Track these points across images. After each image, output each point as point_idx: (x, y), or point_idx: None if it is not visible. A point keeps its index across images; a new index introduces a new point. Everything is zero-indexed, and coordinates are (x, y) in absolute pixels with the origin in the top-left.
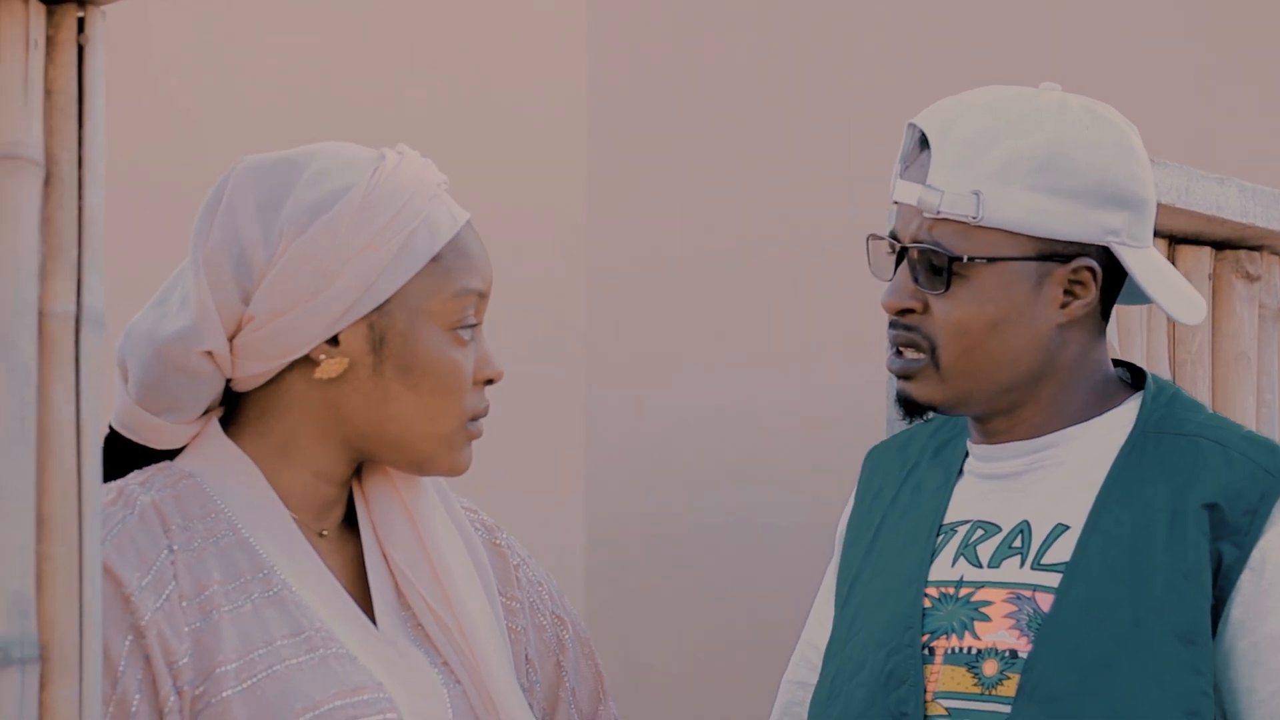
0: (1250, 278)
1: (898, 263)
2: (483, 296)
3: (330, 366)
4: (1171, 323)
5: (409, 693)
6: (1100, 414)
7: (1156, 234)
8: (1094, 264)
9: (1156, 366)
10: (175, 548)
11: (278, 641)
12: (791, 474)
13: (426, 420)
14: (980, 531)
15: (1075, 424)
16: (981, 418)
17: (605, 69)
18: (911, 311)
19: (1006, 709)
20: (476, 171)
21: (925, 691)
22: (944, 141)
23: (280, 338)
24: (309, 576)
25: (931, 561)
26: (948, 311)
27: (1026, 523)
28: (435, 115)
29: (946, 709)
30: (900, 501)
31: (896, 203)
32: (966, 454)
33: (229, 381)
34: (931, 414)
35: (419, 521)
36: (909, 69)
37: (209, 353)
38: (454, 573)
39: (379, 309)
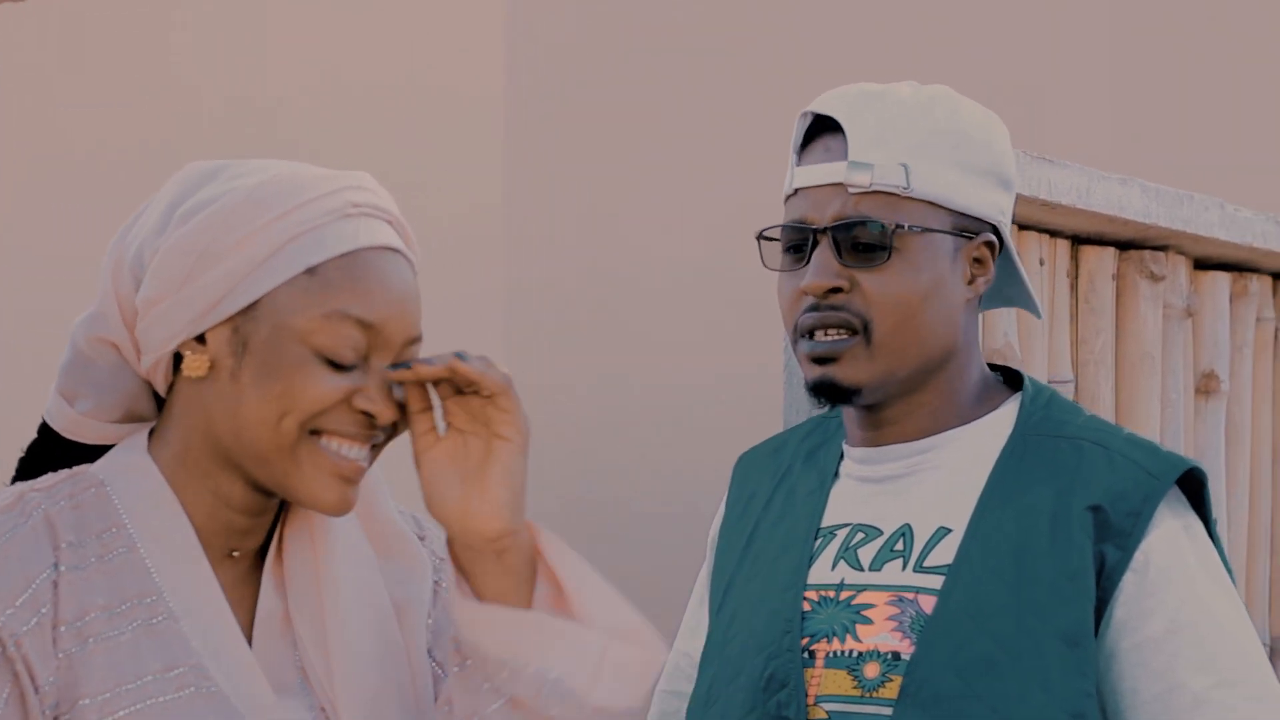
0: (1155, 278)
1: (812, 248)
2: (368, 327)
3: (193, 363)
4: (1075, 323)
5: None
6: (979, 416)
7: (1058, 234)
8: (994, 239)
9: (1059, 367)
10: (62, 568)
11: (147, 676)
12: (712, 464)
13: (271, 430)
14: (861, 535)
15: (955, 426)
16: (881, 406)
17: (522, 75)
18: (839, 291)
19: (888, 711)
20: (394, 173)
21: (807, 695)
22: (859, 122)
23: (153, 329)
24: (200, 603)
25: (810, 565)
26: (883, 285)
27: (908, 525)
28: (352, 119)
29: (828, 712)
30: (774, 506)
31: (798, 190)
32: (842, 457)
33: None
34: (848, 401)
35: (320, 556)
36: (819, 75)
37: (116, 344)
38: (339, 616)
39: (246, 313)
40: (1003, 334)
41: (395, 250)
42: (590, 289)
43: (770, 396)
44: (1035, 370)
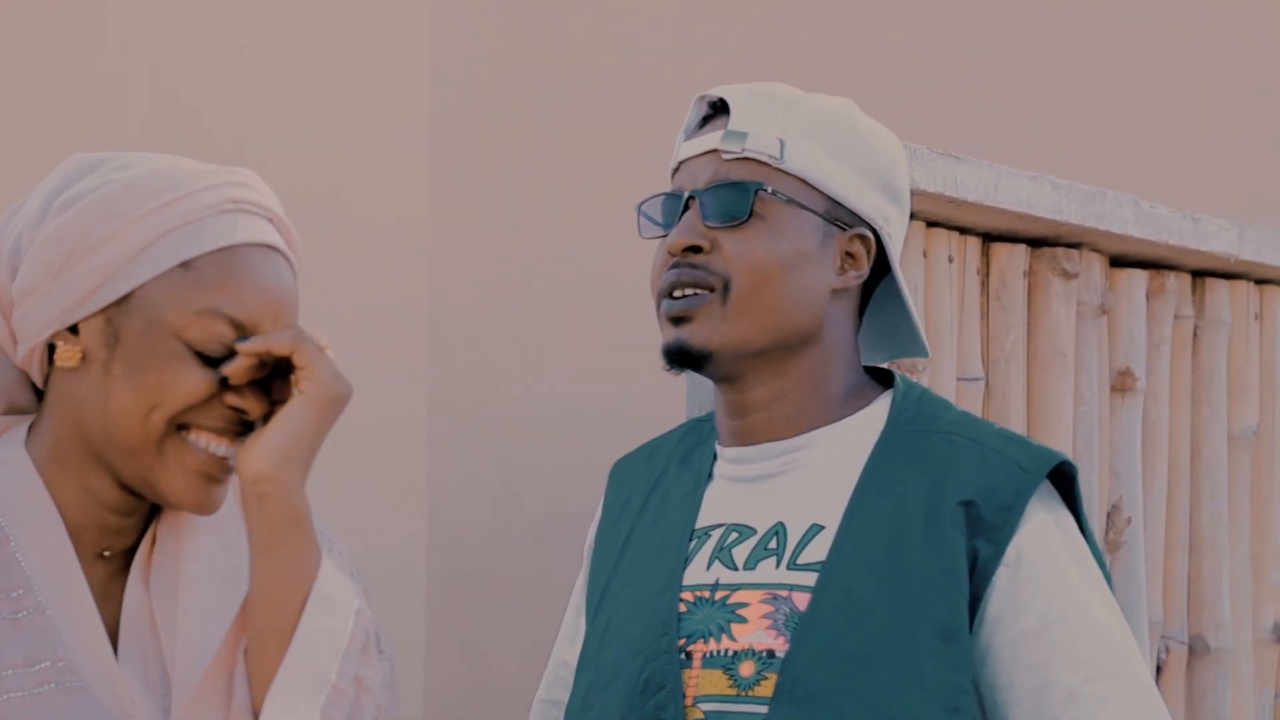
0: (1068, 275)
1: (683, 212)
2: (239, 326)
3: (65, 354)
4: (986, 320)
5: None
6: (851, 413)
7: (969, 231)
8: (870, 235)
9: (969, 364)
10: None
11: (7, 670)
12: None
13: (139, 423)
14: (735, 534)
15: (826, 424)
16: (743, 384)
17: (448, 81)
18: (699, 251)
19: (764, 709)
20: (320, 170)
21: (685, 696)
22: (747, 100)
23: (28, 318)
24: (67, 600)
25: (686, 566)
26: (743, 245)
27: (782, 524)
28: (279, 121)
29: (705, 712)
30: (649, 510)
31: (681, 163)
32: (715, 458)
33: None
34: (699, 367)
35: (184, 555)
36: (742, 80)
37: None
38: (194, 616)
39: (120, 304)
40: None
41: (273, 248)
42: (515, 297)
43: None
44: (943, 368)
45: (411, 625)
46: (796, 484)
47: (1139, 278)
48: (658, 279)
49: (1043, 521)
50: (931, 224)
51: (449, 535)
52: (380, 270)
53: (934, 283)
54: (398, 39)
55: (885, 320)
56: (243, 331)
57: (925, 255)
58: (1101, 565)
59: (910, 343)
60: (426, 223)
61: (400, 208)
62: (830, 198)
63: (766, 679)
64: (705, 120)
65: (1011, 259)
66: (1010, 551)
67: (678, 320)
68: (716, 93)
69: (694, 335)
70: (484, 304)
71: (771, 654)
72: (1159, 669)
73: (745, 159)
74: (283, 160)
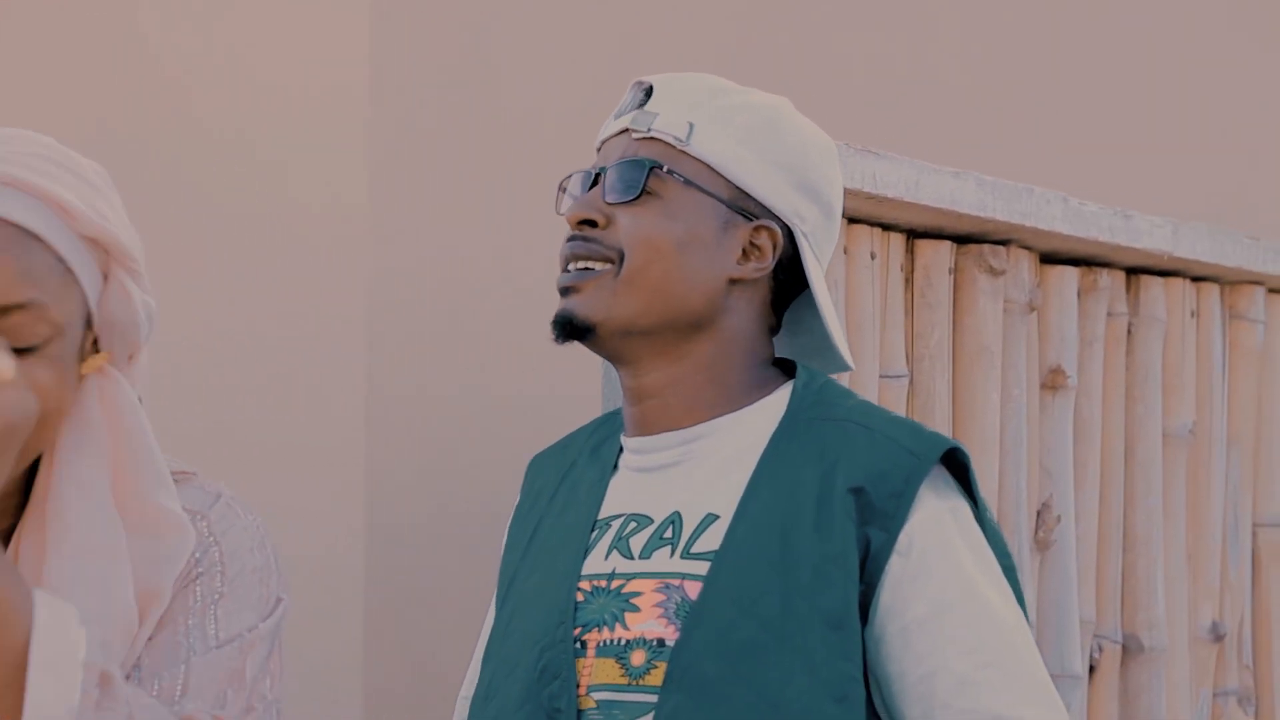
0: (994, 272)
1: (591, 187)
2: None
3: None
4: (911, 317)
5: None
6: (751, 403)
7: (892, 227)
8: (776, 230)
9: (893, 361)
10: None
11: None
12: None
13: None
14: (634, 524)
15: (727, 412)
16: (634, 367)
17: (387, 66)
18: (593, 225)
19: (654, 698)
20: (258, 160)
21: (579, 685)
22: (670, 85)
23: None
24: None
25: (586, 556)
26: (636, 221)
27: (678, 513)
28: (216, 107)
29: (597, 701)
30: (558, 501)
31: (603, 142)
32: (622, 450)
33: None
34: (583, 338)
35: (48, 540)
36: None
37: None
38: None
39: None
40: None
41: None
42: (454, 292)
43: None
44: (865, 365)
45: (349, 623)
46: (693, 473)
47: (1070, 275)
48: (561, 260)
49: (935, 508)
50: (853, 220)
51: (387, 532)
52: (319, 264)
53: (855, 279)
54: (336, 29)
55: (813, 328)
56: None
57: (846, 251)
58: (1002, 552)
59: (828, 360)
60: (365, 217)
61: (338, 201)
62: (737, 186)
63: (657, 668)
64: (640, 106)
65: (936, 256)
66: (902, 539)
67: (566, 291)
68: (648, 78)
69: (579, 306)
70: (423, 299)
71: (662, 643)
72: (1091, 668)
73: (652, 139)
74: (218, 152)
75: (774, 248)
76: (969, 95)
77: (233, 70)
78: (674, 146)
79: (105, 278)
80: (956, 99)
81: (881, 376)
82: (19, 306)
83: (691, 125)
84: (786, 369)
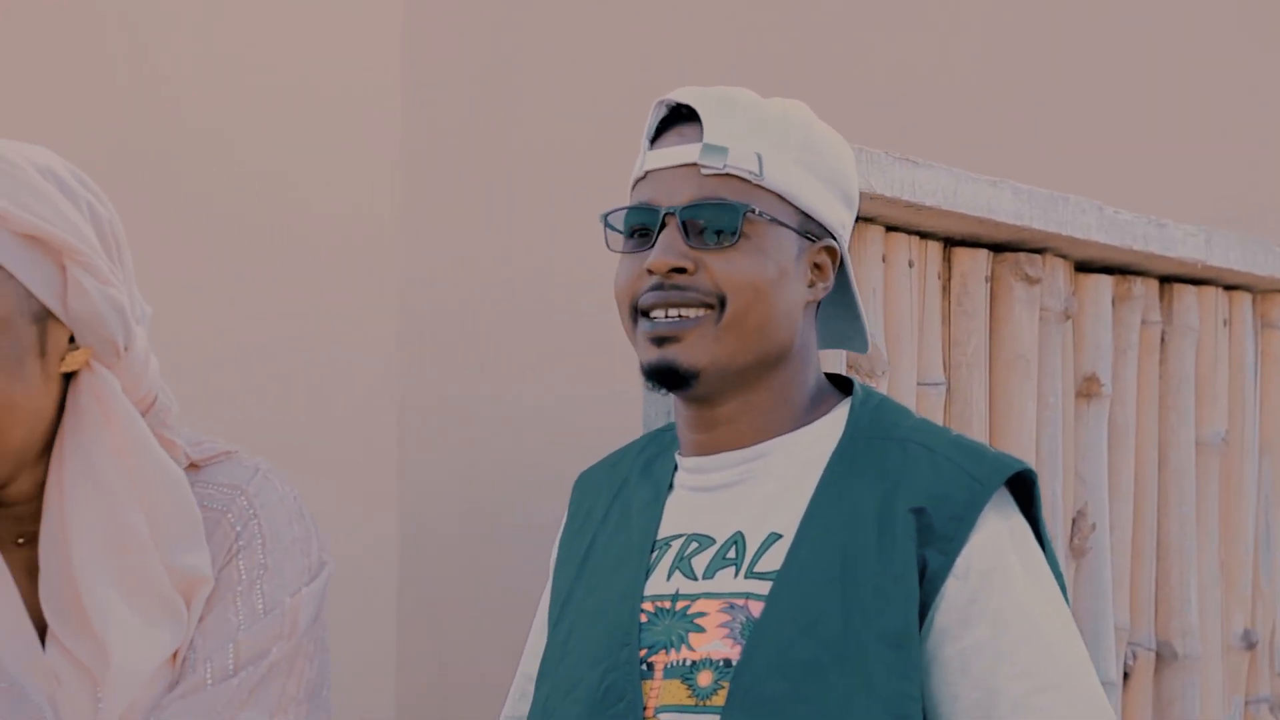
0: (1030, 280)
1: (660, 229)
2: None
3: None
4: (948, 325)
5: (65, 715)
6: (811, 422)
7: (930, 236)
8: (835, 247)
9: (930, 369)
10: None
11: None
12: None
13: None
14: (695, 544)
15: (787, 432)
16: (716, 401)
17: (419, 75)
18: (683, 272)
19: (716, 719)
20: (289, 171)
21: (645, 707)
22: (717, 112)
23: None
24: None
25: (647, 577)
26: (732, 265)
27: (740, 533)
28: (248, 120)
29: None
30: (610, 520)
31: (648, 173)
32: (676, 468)
33: None
34: (684, 386)
35: (70, 539)
36: (701, 79)
37: None
38: (89, 581)
39: None
40: (869, 336)
41: None
42: (486, 299)
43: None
44: (903, 373)
45: (382, 628)
46: (754, 493)
47: (1105, 283)
48: (629, 295)
49: (995, 531)
50: (891, 229)
51: (420, 539)
52: (350, 272)
53: (893, 287)
54: (369, 35)
55: (822, 317)
56: None
57: (885, 260)
58: (1058, 575)
59: (851, 336)
60: (397, 224)
61: (370, 209)
62: (803, 212)
63: (723, 688)
64: (664, 124)
65: (973, 264)
66: (960, 562)
67: (663, 341)
68: (681, 98)
69: (682, 355)
70: (454, 306)
71: (728, 663)
72: (1126, 675)
73: (726, 175)
74: (252, 159)
75: (833, 264)
76: (1000, 102)
77: (263, 79)
78: (749, 181)
79: (61, 277)
80: (988, 106)
81: (919, 384)
82: None
83: (760, 157)
84: (837, 383)
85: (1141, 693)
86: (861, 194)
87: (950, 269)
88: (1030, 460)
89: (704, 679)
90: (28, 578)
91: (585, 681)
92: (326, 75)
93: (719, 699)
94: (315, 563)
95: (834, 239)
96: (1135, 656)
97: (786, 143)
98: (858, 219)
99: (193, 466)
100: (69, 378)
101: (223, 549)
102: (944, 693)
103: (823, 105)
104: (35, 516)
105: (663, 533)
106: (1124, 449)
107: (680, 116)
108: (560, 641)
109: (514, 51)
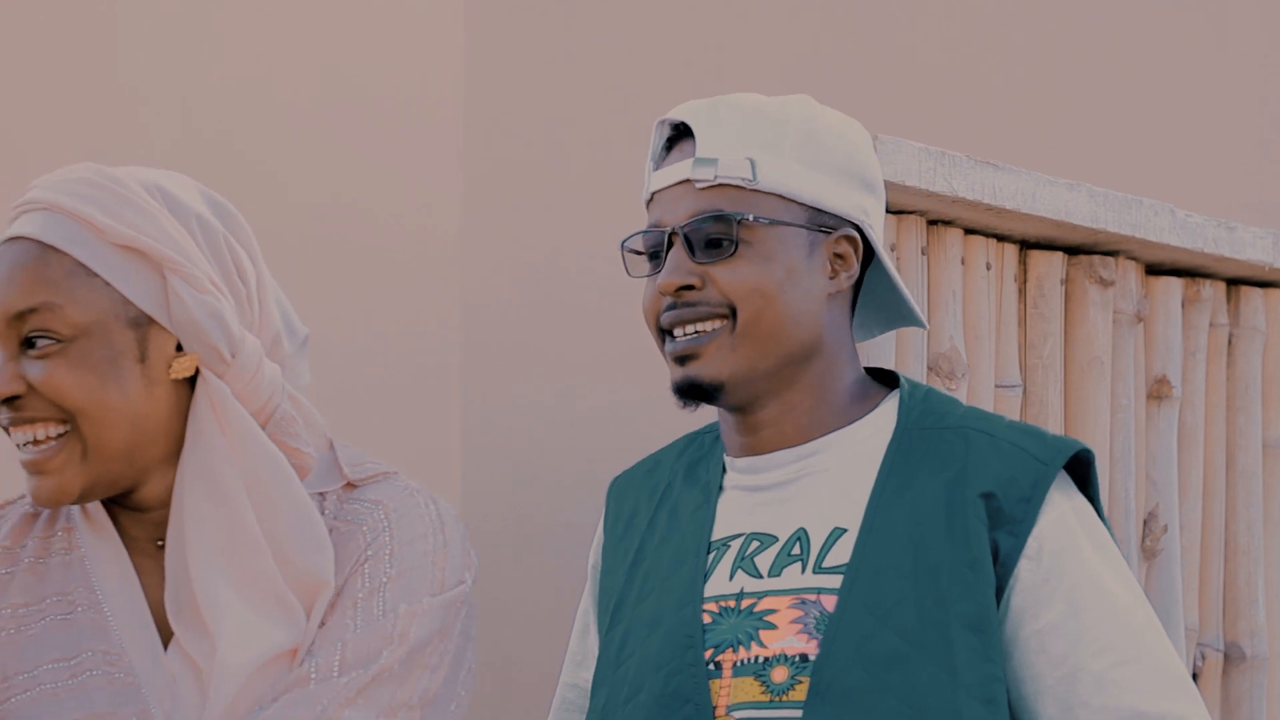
0: (1104, 283)
1: (667, 249)
2: None
3: None
4: (1023, 328)
5: (177, 713)
6: (860, 416)
7: (1006, 238)
8: (855, 235)
9: (1006, 372)
10: (14, 578)
11: (43, 665)
12: None
13: None
14: (756, 543)
15: (838, 428)
16: (753, 406)
17: (482, 81)
18: (691, 288)
19: (795, 714)
20: (352, 180)
21: (716, 706)
22: (709, 124)
23: None
24: (123, 596)
25: (706, 579)
26: (737, 275)
27: (803, 529)
28: (311, 130)
29: None
30: (658, 526)
31: (654, 195)
32: (724, 470)
33: None
34: (712, 400)
35: (188, 542)
36: (774, 85)
37: None
38: (202, 577)
39: None
40: (948, 338)
41: (14, 239)
42: (549, 307)
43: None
44: (981, 374)
45: None
46: (813, 489)
47: (1174, 286)
48: (653, 317)
49: (1061, 511)
50: (970, 231)
51: (482, 540)
52: (413, 276)
53: (972, 289)
54: (431, 48)
55: (874, 301)
56: None
57: (963, 262)
58: (1117, 546)
59: (902, 317)
60: (459, 233)
61: (433, 218)
62: (810, 206)
63: (801, 683)
64: (670, 144)
65: (1049, 266)
66: (1031, 544)
67: (684, 359)
68: (676, 115)
69: (703, 370)
70: (518, 313)
71: (804, 658)
72: (1194, 676)
73: (720, 185)
74: (315, 169)
75: (856, 253)
76: (1073, 105)
77: (327, 84)
78: (744, 188)
79: (163, 285)
80: (1062, 109)
81: (996, 386)
82: (32, 310)
83: (753, 162)
84: (880, 378)
85: (1210, 694)
86: (942, 197)
87: (1026, 271)
88: (1105, 463)
89: (779, 675)
90: (164, 581)
91: (648, 686)
92: (389, 82)
93: (796, 694)
94: (446, 578)
95: (853, 226)
96: (1204, 657)
97: (782, 142)
98: (937, 221)
99: (350, 485)
100: (192, 387)
101: (351, 558)
102: (1024, 673)
103: (903, 109)
104: (160, 523)
105: (718, 534)
106: (1193, 451)
107: (680, 135)
108: (615, 648)
109: (576, 59)
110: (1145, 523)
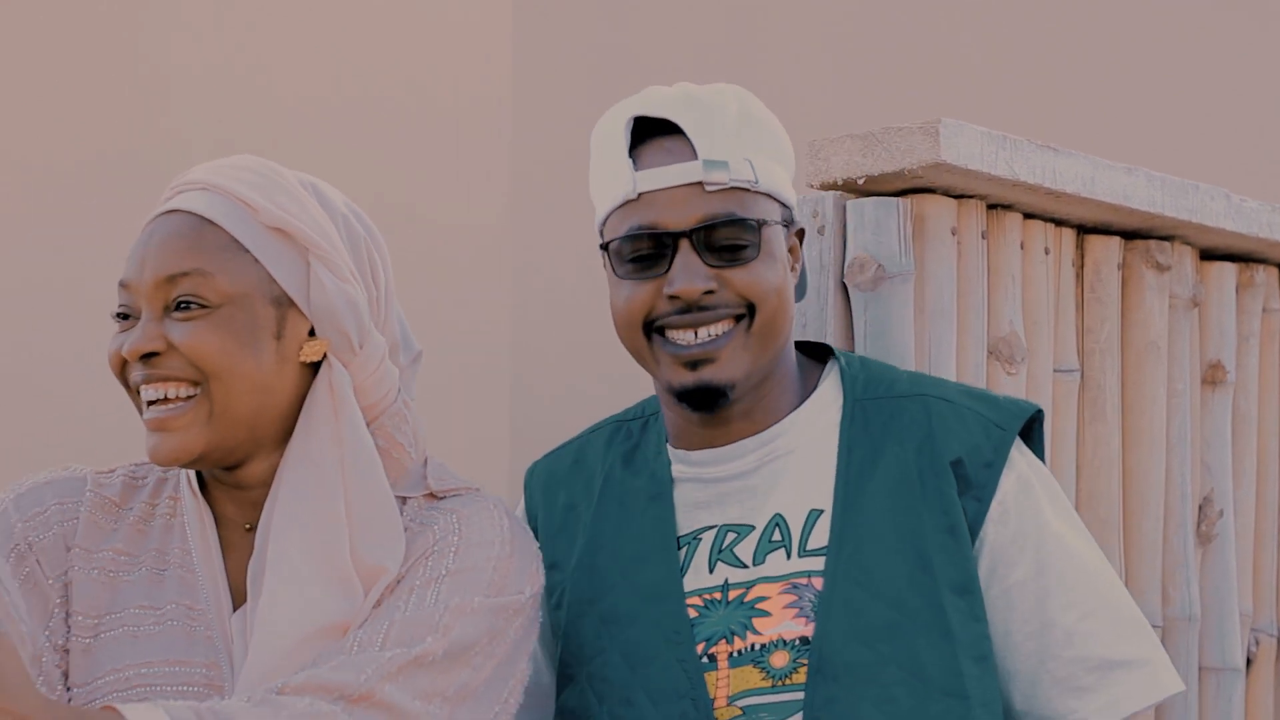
0: (1160, 268)
1: (673, 252)
2: (125, 286)
3: None
4: (1081, 312)
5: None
6: (808, 395)
7: (1064, 223)
8: (802, 226)
9: (1065, 356)
10: (85, 510)
11: (130, 609)
12: None
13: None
14: (733, 534)
15: (791, 410)
16: (735, 402)
17: (529, 81)
18: (710, 293)
19: (799, 696)
20: (399, 187)
21: (715, 699)
22: (702, 123)
23: None
24: (210, 565)
25: (684, 573)
26: (755, 275)
27: (780, 515)
28: (361, 116)
29: (742, 709)
30: (606, 518)
31: (642, 195)
32: (669, 461)
33: None
34: (714, 405)
35: (271, 526)
36: (814, 81)
37: None
38: (276, 543)
39: None
40: (1007, 322)
41: (175, 211)
42: (597, 298)
43: None
44: (1040, 359)
45: None
46: (779, 474)
47: (1229, 270)
48: (640, 317)
49: (1020, 472)
50: (1029, 215)
51: None
52: (462, 275)
53: (1031, 274)
54: (479, 44)
55: None
56: (126, 290)
57: (1023, 247)
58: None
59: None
60: (507, 227)
61: (481, 212)
62: (783, 203)
63: (803, 665)
64: (637, 137)
65: (1106, 251)
66: (995, 507)
67: (698, 363)
68: (656, 113)
69: (719, 373)
70: (565, 300)
71: (805, 640)
72: (1249, 661)
73: (729, 189)
74: (363, 165)
75: (801, 242)
76: (1127, 89)
77: (373, 88)
78: (749, 190)
79: (306, 268)
80: (1115, 93)
81: (1055, 371)
82: (184, 274)
83: (751, 163)
84: (807, 351)
85: (1264, 678)
86: (1002, 181)
87: (1083, 256)
88: (1161, 448)
89: (779, 660)
90: (247, 560)
91: (632, 683)
92: (436, 84)
93: (799, 677)
94: (506, 585)
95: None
96: (1258, 642)
97: (761, 140)
98: (996, 206)
99: (432, 496)
100: (314, 373)
101: (417, 552)
102: (996, 629)
103: (964, 93)
104: (257, 504)
105: (683, 528)
106: (1247, 436)
107: (653, 128)
108: (576, 645)
109: (620, 48)
110: (1200, 508)
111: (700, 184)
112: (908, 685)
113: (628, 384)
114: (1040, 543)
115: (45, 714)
